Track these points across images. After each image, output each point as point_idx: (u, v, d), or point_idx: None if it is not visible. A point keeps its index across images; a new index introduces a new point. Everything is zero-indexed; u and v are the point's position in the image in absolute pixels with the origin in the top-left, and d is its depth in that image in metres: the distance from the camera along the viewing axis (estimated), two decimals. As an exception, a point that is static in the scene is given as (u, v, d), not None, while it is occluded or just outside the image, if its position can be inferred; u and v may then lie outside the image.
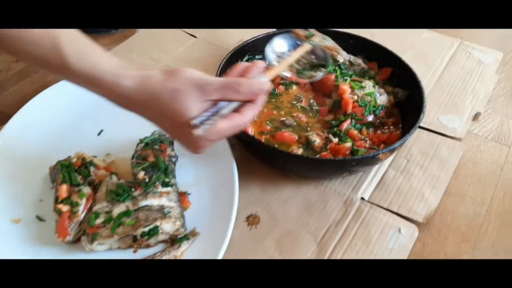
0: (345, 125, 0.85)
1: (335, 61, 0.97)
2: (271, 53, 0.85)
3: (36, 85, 0.77)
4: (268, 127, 0.89)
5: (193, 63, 1.09)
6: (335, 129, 0.85)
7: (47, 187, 0.78)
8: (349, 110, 0.87)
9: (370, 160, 0.77)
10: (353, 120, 0.86)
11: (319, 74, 0.84)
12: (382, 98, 0.90)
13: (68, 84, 0.92)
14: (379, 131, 0.86)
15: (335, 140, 0.82)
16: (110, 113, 0.89)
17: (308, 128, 0.89)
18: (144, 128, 0.84)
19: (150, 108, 0.60)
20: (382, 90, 0.92)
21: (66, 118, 0.89)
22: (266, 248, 0.73)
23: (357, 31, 1.19)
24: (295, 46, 0.85)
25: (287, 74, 0.84)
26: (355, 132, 0.84)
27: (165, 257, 0.68)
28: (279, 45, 0.86)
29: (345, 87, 0.90)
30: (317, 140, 0.84)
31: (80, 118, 0.89)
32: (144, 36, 1.17)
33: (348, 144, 0.81)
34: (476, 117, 0.97)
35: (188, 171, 0.81)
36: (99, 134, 0.88)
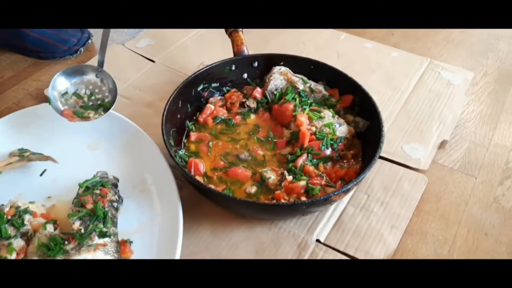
0: (300, 161, 0.80)
1: (295, 88, 0.93)
2: (52, 90, 0.86)
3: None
4: (222, 163, 0.84)
5: (149, 90, 1.04)
6: (291, 165, 0.81)
7: (-20, 237, 0.73)
8: (306, 143, 0.83)
9: (322, 203, 0.72)
10: (309, 155, 0.81)
11: (94, 117, 0.85)
12: (341, 129, 0.86)
13: (10, 120, 0.88)
14: (338, 165, 0.82)
15: (289, 178, 0.78)
16: (55, 150, 0.86)
17: (264, 163, 0.84)
18: (90, 167, 0.81)
19: None
20: (342, 121, 0.87)
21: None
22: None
23: (323, 52, 1.15)
24: (78, 81, 0.88)
25: (62, 107, 0.85)
26: (311, 168, 0.80)
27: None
28: (60, 83, 0.87)
29: (303, 118, 0.85)
30: (271, 177, 0.79)
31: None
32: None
33: (302, 183, 0.76)
34: (442, 145, 0.92)
35: (132, 215, 0.77)
36: (41, 174, 0.83)
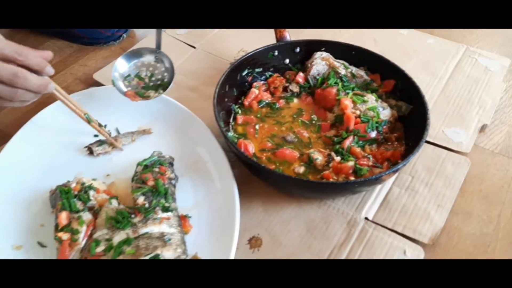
0: (347, 143, 0.83)
1: (337, 73, 0.95)
2: (115, 73, 0.89)
3: (32, 104, 0.77)
4: (269, 144, 0.87)
5: (192, 76, 1.07)
6: (337, 146, 0.84)
7: (48, 211, 0.77)
8: (351, 126, 0.85)
9: (373, 182, 0.75)
10: (355, 137, 0.84)
11: (154, 95, 0.89)
12: (385, 113, 0.88)
13: (62, 104, 0.92)
14: (382, 147, 0.85)
15: (337, 158, 0.81)
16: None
17: (310, 145, 0.87)
18: (144, 148, 0.85)
19: None
20: (385, 104, 0.90)
21: (66, 137, 0.88)
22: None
23: (359, 39, 1.17)
24: (138, 63, 0.92)
25: (125, 89, 0.89)
26: (357, 149, 0.82)
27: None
28: (121, 65, 0.91)
29: (347, 102, 0.88)
30: (319, 158, 0.82)
31: (79, 137, 0.88)
32: (142, 48, 1.15)
33: (351, 163, 0.79)
34: (482, 129, 0.94)
35: (188, 192, 0.80)
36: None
